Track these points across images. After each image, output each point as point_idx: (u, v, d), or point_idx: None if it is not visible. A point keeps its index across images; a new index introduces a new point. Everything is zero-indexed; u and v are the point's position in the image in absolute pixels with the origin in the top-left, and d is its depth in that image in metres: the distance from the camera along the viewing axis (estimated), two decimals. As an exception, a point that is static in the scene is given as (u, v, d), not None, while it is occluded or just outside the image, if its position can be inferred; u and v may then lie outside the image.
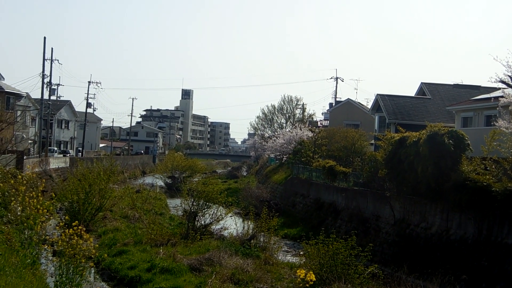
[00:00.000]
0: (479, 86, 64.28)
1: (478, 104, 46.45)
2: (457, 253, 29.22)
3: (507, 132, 30.86)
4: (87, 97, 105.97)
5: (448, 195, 30.65)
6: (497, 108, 34.51)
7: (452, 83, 69.09)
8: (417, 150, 32.57)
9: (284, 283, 25.41)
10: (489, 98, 42.45)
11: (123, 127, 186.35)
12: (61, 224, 21.94)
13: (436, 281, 25.05)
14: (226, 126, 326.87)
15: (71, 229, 19.10)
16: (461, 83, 69.34)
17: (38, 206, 21.51)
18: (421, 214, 33.75)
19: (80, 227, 19.76)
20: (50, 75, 76.57)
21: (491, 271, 26.59)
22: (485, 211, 28.32)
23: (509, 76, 30.26)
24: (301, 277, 10.66)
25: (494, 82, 31.49)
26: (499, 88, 36.63)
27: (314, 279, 10.95)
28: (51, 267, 22.93)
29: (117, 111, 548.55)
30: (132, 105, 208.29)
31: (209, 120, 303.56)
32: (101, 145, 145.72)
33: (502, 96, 32.18)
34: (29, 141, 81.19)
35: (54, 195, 34.41)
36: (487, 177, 29.07)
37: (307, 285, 10.82)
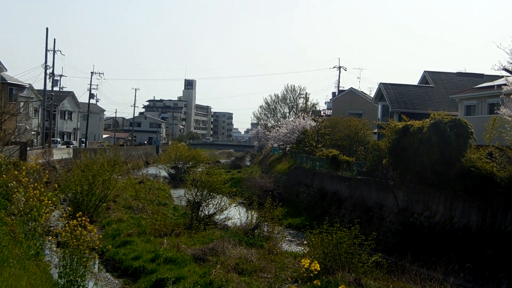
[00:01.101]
0: (482, 74, 64.14)
1: (481, 92, 46.35)
2: (461, 242, 29.22)
3: (510, 120, 30.79)
4: (90, 88, 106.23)
5: (453, 183, 30.65)
6: (500, 96, 34.45)
7: (455, 72, 68.96)
8: (422, 138, 32.53)
9: (288, 273, 25.41)
10: (492, 86, 42.37)
11: (126, 118, 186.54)
12: (64, 215, 21.97)
13: (440, 270, 25.04)
14: (229, 116, 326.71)
15: (75, 220, 19.10)
16: (464, 71, 69.20)
17: (42, 198, 21.53)
18: (425, 203, 33.74)
19: (84, 218, 19.77)
20: (53, 66, 76.67)
21: (495, 259, 26.60)
22: (488, 199, 28.33)
23: (512, 63, 30.18)
24: (305, 266, 10.64)
25: (497, 70, 31.43)
26: (503, 76, 36.56)
27: (318, 268, 10.93)
28: (55, 258, 22.97)
29: (120, 102, 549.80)
30: (135, 96, 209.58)
31: (212, 110, 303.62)
32: (104, 136, 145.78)
33: (505, 84, 32.12)
34: (32, 133, 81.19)
35: (57, 186, 34.38)
36: (492, 164, 29.07)
37: (311, 275, 10.79)
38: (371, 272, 24.71)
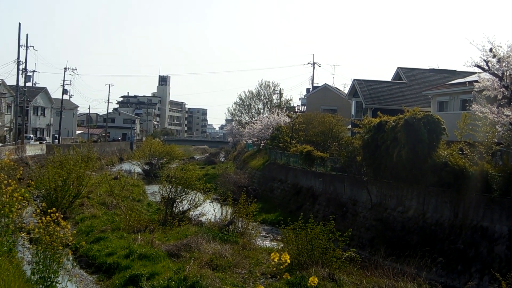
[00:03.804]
0: (455, 71, 64.80)
1: (453, 88, 46.78)
2: (434, 236, 29.52)
3: (481, 116, 31.14)
4: (63, 83, 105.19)
5: (426, 178, 30.94)
6: (472, 93, 34.82)
7: (428, 68, 69.57)
8: (395, 136, 32.80)
9: (262, 268, 25.48)
10: (465, 83, 42.76)
11: (100, 114, 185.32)
12: (37, 211, 21.82)
13: (413, 264, 25.28)
14: (204, 112, 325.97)
15: (48, 216, 18.99)
16: (437, 68, 69.86)
17: (14, 194, 21.36)
18: (398, 198, 34.01)
19: (57, 214, 19.64)
20: (26, 62, 76.00)
21: (467, 253, 26.91)
22: (461, 194, 28.63)
23: (484, 60, 30.46)
24: (275, 260, 10.65)
25: (470, 66, 31.74)
26: (475, 73, 36.94)
27: (288, 260, 10.92)
28: (28, 254, 22.81)
29: (94, 98, 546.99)
30: (109, 92, 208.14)
31: (187, 106, 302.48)
32: (77, 132, 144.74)
33: (477, 81, 32.43)
34: (5, 129, 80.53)
35: (31, 182, 34.13)
36: (463, 160, 29.40)
37: (282, 267, 10.80)
38: (344, 267, 24.89)
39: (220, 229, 33.54)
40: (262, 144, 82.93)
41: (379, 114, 37.31)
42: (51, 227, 18.55)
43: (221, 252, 26.92)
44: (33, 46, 77.76)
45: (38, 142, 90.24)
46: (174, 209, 36.47)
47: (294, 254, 24.41)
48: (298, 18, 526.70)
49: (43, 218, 18.86)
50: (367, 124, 36.91)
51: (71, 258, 25.86)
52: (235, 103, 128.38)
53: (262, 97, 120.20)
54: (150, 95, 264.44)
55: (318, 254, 24.85)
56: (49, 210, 19.22)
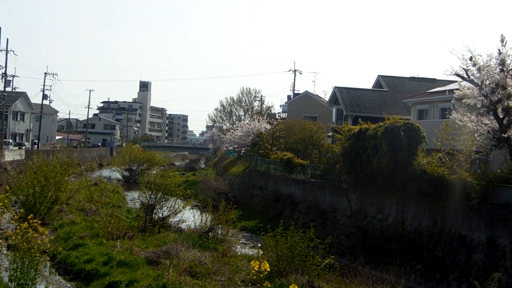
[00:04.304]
0: (435, 79, 65.31)
1: (433, 96, 47.08)
2: (412, 244, 29.65)
3: (461, 124, 31.36)
4: (43, 88, 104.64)
5: (405, 186, 31.08)
6: (452, 101, 35.06)
7: (408, 76, 70.03)
8: (375, 143, 32.94)
9: (242, 275, 25.46)
10: (444, 91, 43.09)
11: (80, 119, 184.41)
12: (16, 217, 21.64)
13: (392, 272, 25.39)
14: (184, 118, 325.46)
15: (26, 223, 18.85)
16: (417, 76, 70.34)
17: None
18: (378, 206, 34.13)
19: (35, 220, 19.50)
20: (6, 66, 75.57)
21: (445, 261, 27.05)
22: (439, 202, 28.78)
23: (464, 69, 30.68)
24: (255, 268, 10.65)
25: (450, 75, 31.91)
26: (455, 81, 37.18)
27: (268, 269, 10.93)
28: (6, 261, 22.64)
29: (74, 103, 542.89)
30: (89, 97, 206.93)
31: (167, 112, 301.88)
32: (57, 137, 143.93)
33: (457, 89, 32.66)
34: (-17, 134, 79.82)
35: (9, 188, 33.85)
36: (442, 169, 29.56)
37: (262, 276, 10.80)
38: (324, 275, 24.89)
39: (199, 236, 33.48)
40: (242, 151, 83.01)
41: (359, 122, 37.44)
42: (29, 233, 18.43)
43: (200, 259, 26.86)
44: (13, 51, 77.46)
45: (17, 148, 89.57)
46: (153, 216, 36.33)
47: (273, 262, 24.40)
48: (280, 25, 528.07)
49: (21, 225, 18.74)
50: (347, 131, 37.03)
51: (48, 265, 25.71)
52: (216, 109, 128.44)
53: (243, 104, 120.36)
54: (131, 100, 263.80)
55: (297, 262, 24.84)
56: (28, 217, 19.09)
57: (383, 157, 31.96)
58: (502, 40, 30.10)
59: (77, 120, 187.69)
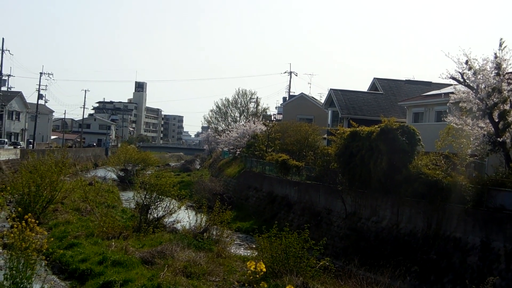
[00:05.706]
0: (430, 82, 65.36)
1: (429, 100, 47.16)
2: (407, 247, 29.67)
3: (457, 127, 31.43)
4: (39, 88, 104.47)
5: (400, 189, 31.10)
6: (448, 104, 35.11)
7: (404, 79, 70.07)
8: (370, 145, 32.97)
9: (236, 276, 25.49)
10: (440, 94, 43.13)
11: (75, 119, 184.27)
12: (12, 216, 21.61)
13: (387, 274, 25.38)
14: (180, 119, 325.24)
15: (23, 222, 18.82)
16: (412, 79, 70.38)
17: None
18: (372, 208, 34.17)
19: (32, 220, 19.48)
20: (1, 66, 75.75)
21: (440, 264, 27.10)
22: (434, 205, 28.82)
23: (459, 72, 30.74)
24: (251, 268, 10.69)
25: (445, 78, 31.96)
26: (450, 84, 37.22)
27: (264, 269, 10.97)
28: (1, 260, 22.62)
29: (70, 103, 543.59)
30: (85, 97, 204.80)
31: (163, 113, 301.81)
32: (52, 137, 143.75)
33: (452, 92, 32.71)
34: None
35: (4, 187, 33.80)
36: (437, 172, 29.60)
37: (257, 276, 10.85)
38: (318, 276, 24.92)
39: (194, 236, 33.48)
40: (238, 152, 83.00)
41: (352, 124, 37.43)
42: (26, 233, 18.41)
43: (195, 260, 26.85)
44: (9, 50, 77.48)
45: (12, 147, 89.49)
46: (148, 216, 36.35)
47: (268, 263, 24.40)
48: (276, 27, 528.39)
49: (18, 224, 18.71)
50: (342, 133, 37.05)
51: (44, 264, 25.68)
52: (211, 110, 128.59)
53: (238, 105, 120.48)
54: (126, 101, 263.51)
55: (292, 263, 24.86)
56: (25, 216, 19.05)
57: (381, 159, 31.95)
58: (500, 44, 30.15)
59: (72, 120, 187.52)
